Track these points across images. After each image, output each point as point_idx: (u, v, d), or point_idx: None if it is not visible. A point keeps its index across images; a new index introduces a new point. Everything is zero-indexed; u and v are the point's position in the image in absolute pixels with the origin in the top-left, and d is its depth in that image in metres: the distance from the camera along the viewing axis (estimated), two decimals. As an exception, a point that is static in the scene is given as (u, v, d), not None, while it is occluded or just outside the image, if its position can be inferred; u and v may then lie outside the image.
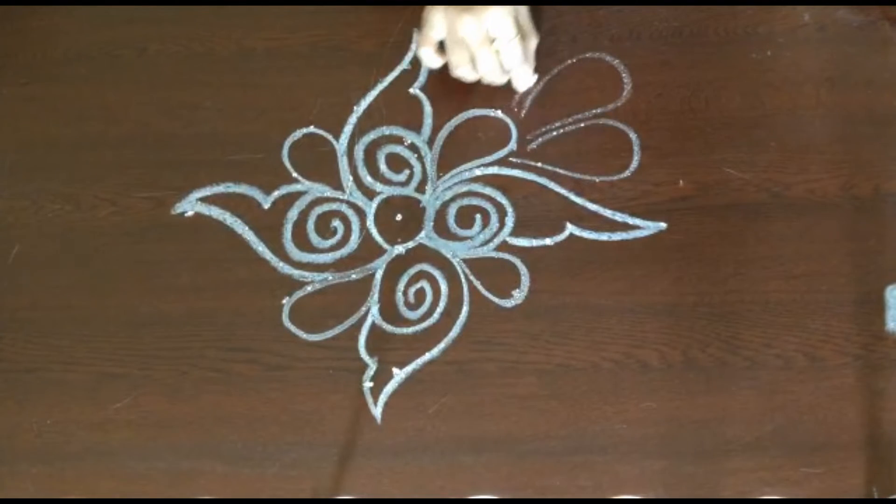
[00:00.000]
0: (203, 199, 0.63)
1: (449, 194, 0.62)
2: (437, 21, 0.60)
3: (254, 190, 0.63)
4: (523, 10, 0.62)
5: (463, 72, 0.62)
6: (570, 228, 0.60)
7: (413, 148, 0.63)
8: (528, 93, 0.64)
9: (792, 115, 0.62)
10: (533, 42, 0.63)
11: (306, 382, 0.57)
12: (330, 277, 0.60)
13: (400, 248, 0.61)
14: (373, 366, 0.58)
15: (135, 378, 0.58)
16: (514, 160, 0.62)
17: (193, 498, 0.55)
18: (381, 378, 0.57)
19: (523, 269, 0.59)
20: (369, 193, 0.62)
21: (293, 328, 0.59)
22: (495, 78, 0.62)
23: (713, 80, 0.63)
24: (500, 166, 0.62)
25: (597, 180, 0.61)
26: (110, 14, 0.69)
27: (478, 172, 0.62)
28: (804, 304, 0.57)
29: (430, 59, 0.63)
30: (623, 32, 0.66)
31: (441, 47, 0.63)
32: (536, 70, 0.64)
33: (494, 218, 0.61)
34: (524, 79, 0.63)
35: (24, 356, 0.60)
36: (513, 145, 0.63)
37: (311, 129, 0.64)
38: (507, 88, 0.64)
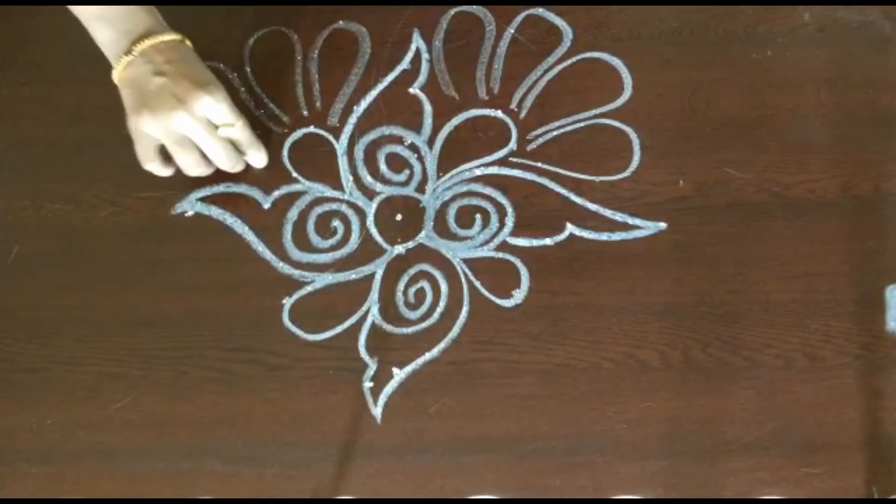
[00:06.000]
0: (203, 199, 0.63)
1: (449, 194, 0.62)
2: (151, 129, 0.57)
3: (254, 190, 0.63)
4: (224, 92, 0.59)
5: (198, 171, 0.61)
6: (570, 228, 0.60)
7: (413, 148, 0.63)
8: (528, 93, 0.64)
9: (792, 115, 0.62)
10: (242, 120, 0.60)
11: (306, 382, 0.57)
12: (330, 277, 0.60)
13: (400, 248, 0.61)
14: (373, 366, 0.58)
15: (135, 378, 0.58)
16: (514, 160, 0.62)
17: (193, 498, 0.55)
18: (381, 378, 0.57)
19: (523, 269, 0.59)
20: (369, 193, 0.62)
21: (293, 328, 0.59)
22: (233, 164, 0.61)
23: (713, 80, 0.63)
24: (500, 166, 0.62)
25: (597, 180, 0.61)
26: (110, 14, 0.69)
27: (478, 172, 0.62)
28: (804, 304, 0.57)
29: (162, 170, 0.61)
30: (623, 32, 0.66)
31: (164, 152, 0.60)
32: (536, 70, 0.64)
33: (494, 218, 0.61)
34: (261, 156, 0.62)
35: (24, 356, 0.60)
36: (513, 145, 0.63)
37: (311, 129, 0.64)
38: (507, 88, 0.64)
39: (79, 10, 0.59)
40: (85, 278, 0.61)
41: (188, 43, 0.61)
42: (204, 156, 0.60)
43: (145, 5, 0.59)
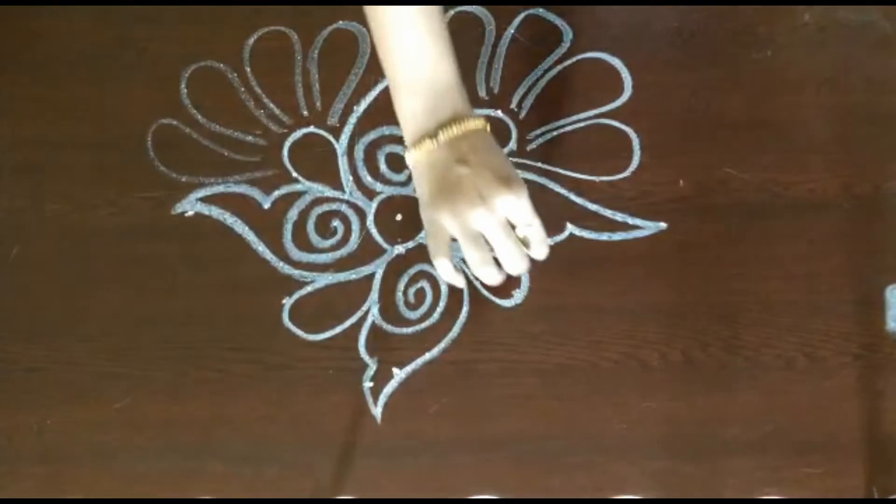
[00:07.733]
0: (203, 199, 0.63)
1: (449, 194, 0.62)
2: (447, 222, 0.50)
3: (254, 190, 0.63)
4: (526, 189, 0.50)
5: (486, 272, 0.52)
6: (570, 228, 0.60)
7: (413, 148, 0.63)
8: (528, 93, 0.64)
9: (792, 115, 0.62)
10: (539, 220, 0.52)
11: (306, 382, 0.57)
12: (330, 277, 0.60)
13: (400, 248, 0.61)
14: (373, 366, 0.58)
15: (135, 378, 0.58)
16: (514, 160, 0.62)
17: (193, 498, 0.55)
18: (381, 378, 0.57)
19: (523, 269, 0.59)
20: (369, 193, 0.62)
21: (293, 328, 0.59)
22: (521, 267, 0.51)
23: (713, 80, 0.63)
24: (500, 166, 0.62)
25: (597, 180, 0.61)
26: (110, 14, 0.69)
27: (478, 172, 0.62)
28: (804, 304, 0.57)
29: (454, 276, 0.53)
30: (623, 32, 0.66)
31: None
32: (536, 70, 0.64)
33: (494, 218, 0.61)
34: (545, 250, 0.53)
35: (24, 356, 0.60)
36: (513, 145, 0.63)
37: (311, 129, 0.64)
38: (507, 88, 0.64)
39: (389, 76, 0.53)
40: (85, 278, 0.61)
41: (488, 128, 0.52)
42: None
43: (453, 82, 0.52)
